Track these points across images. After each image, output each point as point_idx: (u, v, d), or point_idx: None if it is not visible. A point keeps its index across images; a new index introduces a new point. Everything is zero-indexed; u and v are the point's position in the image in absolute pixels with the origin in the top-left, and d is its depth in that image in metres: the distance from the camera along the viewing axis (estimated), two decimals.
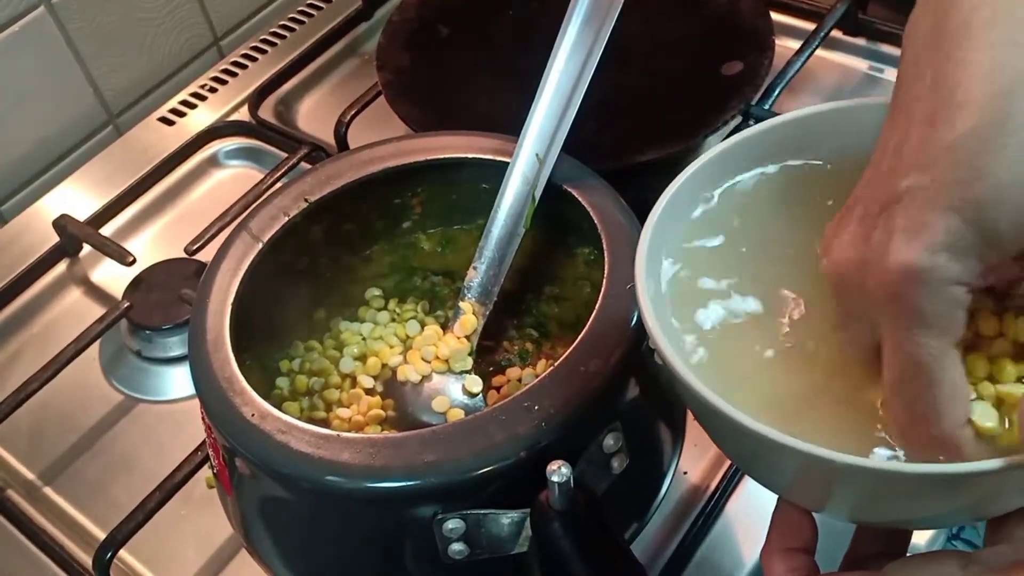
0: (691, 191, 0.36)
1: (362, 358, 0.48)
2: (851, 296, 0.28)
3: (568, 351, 0.40)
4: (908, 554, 0.33)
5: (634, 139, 0.62)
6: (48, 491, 0.58)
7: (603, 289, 0.42)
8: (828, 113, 0.36)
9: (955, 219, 0.25)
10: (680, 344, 0.33)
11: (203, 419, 0.43)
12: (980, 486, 0.26)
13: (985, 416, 0.27)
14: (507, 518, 0.37)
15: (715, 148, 0.36)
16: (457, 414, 0.45)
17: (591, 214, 0.45)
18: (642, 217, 0.35)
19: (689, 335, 0.34)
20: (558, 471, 0.34)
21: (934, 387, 0.26)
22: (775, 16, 0.70)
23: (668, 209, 0.35)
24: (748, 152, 0.36)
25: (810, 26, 0.73)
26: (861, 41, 0.75)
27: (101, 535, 0.55)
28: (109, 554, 0.51)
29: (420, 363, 0.47)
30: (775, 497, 0.34)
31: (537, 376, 0.47)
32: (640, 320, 0.40)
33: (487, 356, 0.49)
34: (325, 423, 0.46)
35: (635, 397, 0.41)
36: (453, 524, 0.37)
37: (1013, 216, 0.25)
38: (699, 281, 0.35)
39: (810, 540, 0.33)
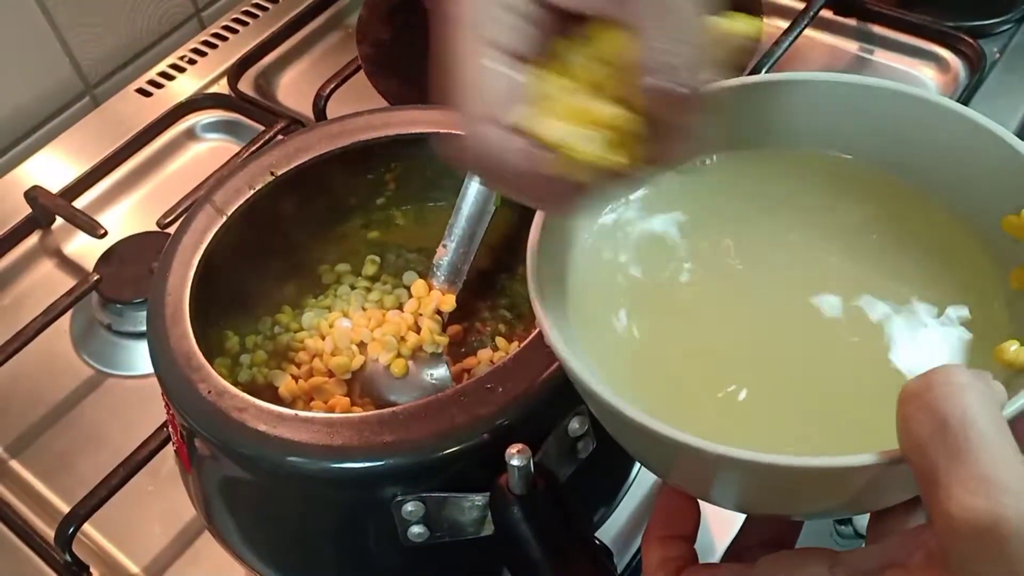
0: None
1: (329, 334, 0.48)
2: None
3: (535, 332, 0.39)
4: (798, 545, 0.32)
5: None
6: (14, 464, 0.58)
7: None
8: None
9: None
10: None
11: (162, 395, 0.42)
12: (855, 481, 0.25)
13: None
14: (468, 502, 0.37)
15: None
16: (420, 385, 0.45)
17: None
18: None
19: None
20: (517, 455, 0.34)
21: None
22: None
23: None
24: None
25: (800, 5, 0.71)
26: (852, 21, 0.74)
27: (67, 510, 0.54)
28: (71, 529, 0.50)
29: (389, 342, 0.46)
30: None
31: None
32: None
33: (458, 337, 0.49)
34: (275, 392, 0.45)
35: None
36: (412, 507, 0.37)
37: None
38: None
39: (690, 528, 0.32)
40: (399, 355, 0.46)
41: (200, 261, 0.42)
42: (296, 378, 0.46)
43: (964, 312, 0.30)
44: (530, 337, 0.39)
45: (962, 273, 0.31)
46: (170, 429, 0.43)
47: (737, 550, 0.33)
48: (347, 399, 0.45)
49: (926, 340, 0.30)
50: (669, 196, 0.35)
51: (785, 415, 0.29)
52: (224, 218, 0.44)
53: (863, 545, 0.28)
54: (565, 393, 0.38)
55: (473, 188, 0.46)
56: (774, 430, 0.29)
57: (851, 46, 0.73)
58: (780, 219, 0.34)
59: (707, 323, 0.32)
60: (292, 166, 0.46)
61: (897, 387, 0.23)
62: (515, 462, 0.34)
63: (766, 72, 0.65)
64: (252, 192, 0.45)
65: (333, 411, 0.44)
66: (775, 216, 0.34)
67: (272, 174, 0.46)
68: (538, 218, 0.32)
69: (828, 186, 0.34)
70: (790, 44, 0.67)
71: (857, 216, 0.33)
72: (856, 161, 0.34)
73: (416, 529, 0.37)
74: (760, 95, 0.34)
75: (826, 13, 0.73)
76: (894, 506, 0.28)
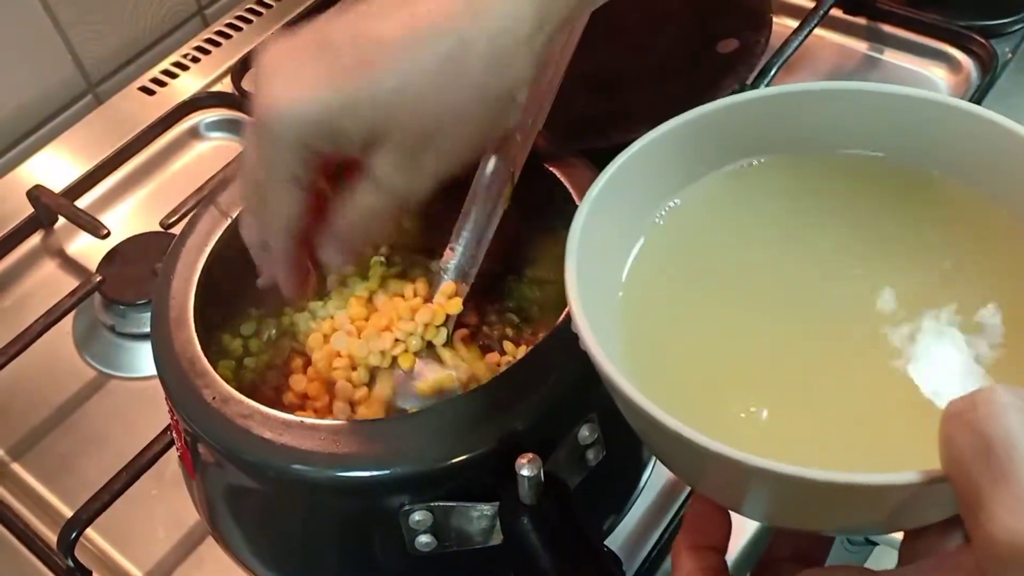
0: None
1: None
2: None
3: (543, 337, 0.38)
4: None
5: (623, 118, 0.60)
6: (16, 467, 0.57)
7: None
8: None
9: None
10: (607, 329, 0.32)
11: (166, 400, 0.41)
12: (893, 499, 0.25)
13: None
14: (477, 511, 0.36)
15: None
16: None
17: (572, 195, 0.44)
18: None
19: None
20: (528, 464, 0.33)
21: None
22: None
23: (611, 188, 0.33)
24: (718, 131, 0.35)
25: (809, 4, 0.71)
26: (862, 21, 0.73)
27: (69, 513, 0.54)
28: (74, 533, 0.49)
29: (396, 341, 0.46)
30: None
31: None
32: None
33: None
34: (281, 398, 0.44)
35: None
36: (420, 516, 0.36)
37: None
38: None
39: (721, 539, 0.32)
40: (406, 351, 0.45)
41: (204, 264, 0.42)
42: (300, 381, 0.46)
43: (1001, 329, 0.30)
44: (538, 341, 0.38)
45: (1001, 289, 0.31)
46: (174, 434, 0.42)
47: (767, 563, 0.33)
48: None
49: (960, 361, 0.29)
50: (712, 203, 0.35)
51: (811, 433, 0.29)
52: (228, 220, 0.43)
53: (872, 551, 0.27)
54: (574, 399, 0.38)
55: (482, 190, 0.45)
56: (799, 448, 0.28)
57: (861, 45, 0.73)
58: (821, 224, 0.34)
59: (739, 334, 0.32)
60: None
61: (930, 407, 0.23)
62: (525, 472, 0.33)
63: (775, 71, 0.64)
64: None
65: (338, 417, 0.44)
66: (815, 221, 0.34)
67: None
68: (578, 219, 0.32)
69: (866, 190, 0.34)
70: (800, 43, 0.66)
71: (892, 223, 0.33)
72: (893, 164, 0.34)
73: (424, 539, 0.37)
74: (799, 104, 0.34)
75: (836, 12, 0.72)
76: (929, 527, 0.27)
